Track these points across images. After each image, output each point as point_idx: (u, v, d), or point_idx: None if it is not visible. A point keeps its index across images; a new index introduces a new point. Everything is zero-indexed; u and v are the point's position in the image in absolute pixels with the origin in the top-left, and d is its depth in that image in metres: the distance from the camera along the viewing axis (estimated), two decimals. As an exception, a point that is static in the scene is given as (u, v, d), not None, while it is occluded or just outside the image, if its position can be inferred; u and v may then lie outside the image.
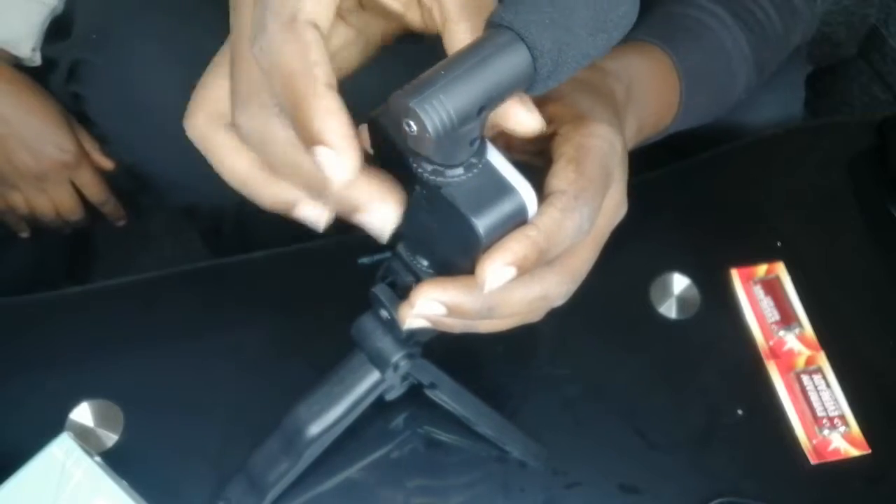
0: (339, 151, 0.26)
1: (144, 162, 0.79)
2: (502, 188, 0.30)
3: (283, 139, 0.29)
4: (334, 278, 0.61)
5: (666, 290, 0.61)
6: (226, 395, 0.55)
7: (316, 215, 0.31)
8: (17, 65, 0.75)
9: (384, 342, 0.44)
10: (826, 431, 0.55)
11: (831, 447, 0.55)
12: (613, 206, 0.37)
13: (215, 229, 0.87)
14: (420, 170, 0.29)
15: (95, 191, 0.80)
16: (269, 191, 0.31)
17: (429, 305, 0.31)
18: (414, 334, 0.43)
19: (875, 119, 0.71)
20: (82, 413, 0.54)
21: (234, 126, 0.30)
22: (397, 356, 0.44)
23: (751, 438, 0.55)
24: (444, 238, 0.33)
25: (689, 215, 0.67)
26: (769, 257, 0.63)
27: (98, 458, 0.49)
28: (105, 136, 0.81)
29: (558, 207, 0.32)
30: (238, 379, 0.56)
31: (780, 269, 0.62)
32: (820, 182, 0.69)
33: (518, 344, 0.58)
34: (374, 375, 0.46)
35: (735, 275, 0.62)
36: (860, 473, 0.55)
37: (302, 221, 0.31)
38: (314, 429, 0.46)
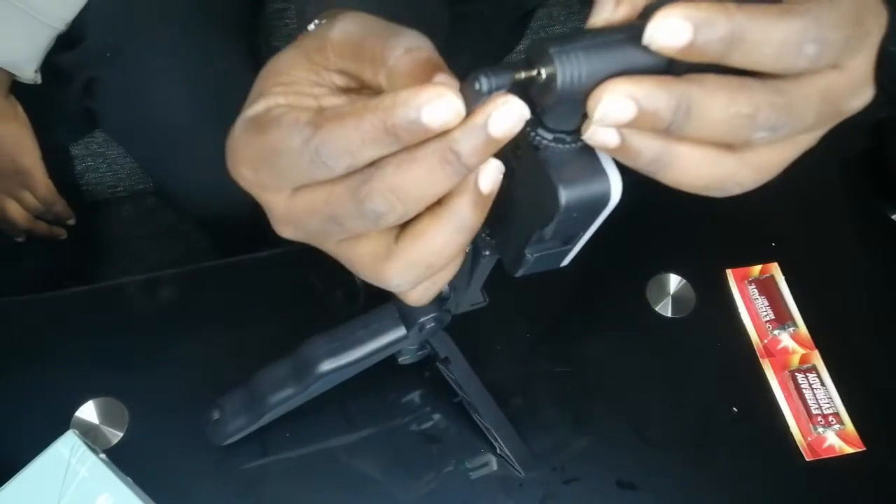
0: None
1: (157, 176, 0.80)
2: (595, 170, 0.29)
3: None
4: (340, 278, 0.62)
5: (662, 289, 0.62)
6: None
7: None
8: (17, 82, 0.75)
9: None
10: (821, 429, 0.56)
11: (826, 444, 0.55)
12: (853, 75, 0.27)
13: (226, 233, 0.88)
14: (525, 125, 0.28)
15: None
16: None
17: (618, 102, 0.26)
18: (443, 301, 0.43)
19: (871, 121, 0.71)
20: (88, 411, 0.55)
21: None
22: (427, 316, 0.44)
23: (746, 436, 0.56)
24: (517, 204, 0.32)
25: (684, 216, 0.68)
26: (764, 257, 0.63)
27: (103, 456, 0.49)
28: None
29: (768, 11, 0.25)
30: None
31: (775, 270, 0.63)
32: (814, 183, 0.69)
33: (517, 342, 0.59)
34: (399, 331, 0.46)
35: (730, 275, 0.63)
36: (855, 470, 0.55)
37: None
38: (326, 365, 0.45)
